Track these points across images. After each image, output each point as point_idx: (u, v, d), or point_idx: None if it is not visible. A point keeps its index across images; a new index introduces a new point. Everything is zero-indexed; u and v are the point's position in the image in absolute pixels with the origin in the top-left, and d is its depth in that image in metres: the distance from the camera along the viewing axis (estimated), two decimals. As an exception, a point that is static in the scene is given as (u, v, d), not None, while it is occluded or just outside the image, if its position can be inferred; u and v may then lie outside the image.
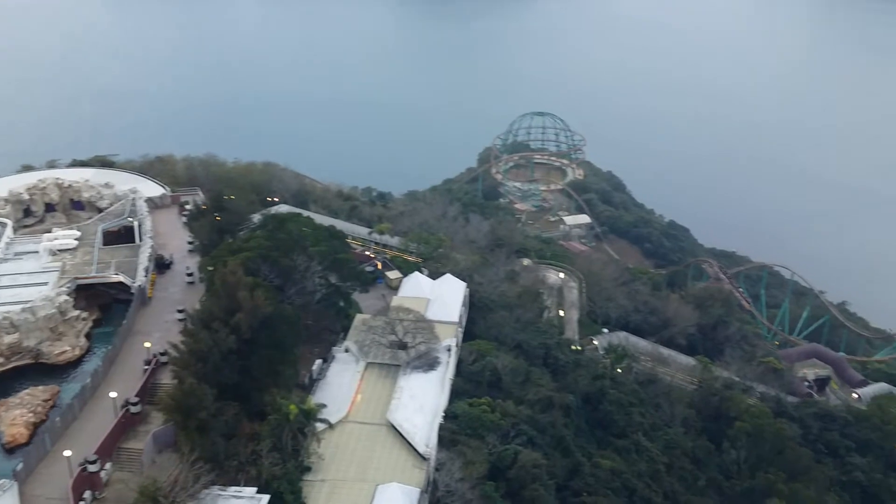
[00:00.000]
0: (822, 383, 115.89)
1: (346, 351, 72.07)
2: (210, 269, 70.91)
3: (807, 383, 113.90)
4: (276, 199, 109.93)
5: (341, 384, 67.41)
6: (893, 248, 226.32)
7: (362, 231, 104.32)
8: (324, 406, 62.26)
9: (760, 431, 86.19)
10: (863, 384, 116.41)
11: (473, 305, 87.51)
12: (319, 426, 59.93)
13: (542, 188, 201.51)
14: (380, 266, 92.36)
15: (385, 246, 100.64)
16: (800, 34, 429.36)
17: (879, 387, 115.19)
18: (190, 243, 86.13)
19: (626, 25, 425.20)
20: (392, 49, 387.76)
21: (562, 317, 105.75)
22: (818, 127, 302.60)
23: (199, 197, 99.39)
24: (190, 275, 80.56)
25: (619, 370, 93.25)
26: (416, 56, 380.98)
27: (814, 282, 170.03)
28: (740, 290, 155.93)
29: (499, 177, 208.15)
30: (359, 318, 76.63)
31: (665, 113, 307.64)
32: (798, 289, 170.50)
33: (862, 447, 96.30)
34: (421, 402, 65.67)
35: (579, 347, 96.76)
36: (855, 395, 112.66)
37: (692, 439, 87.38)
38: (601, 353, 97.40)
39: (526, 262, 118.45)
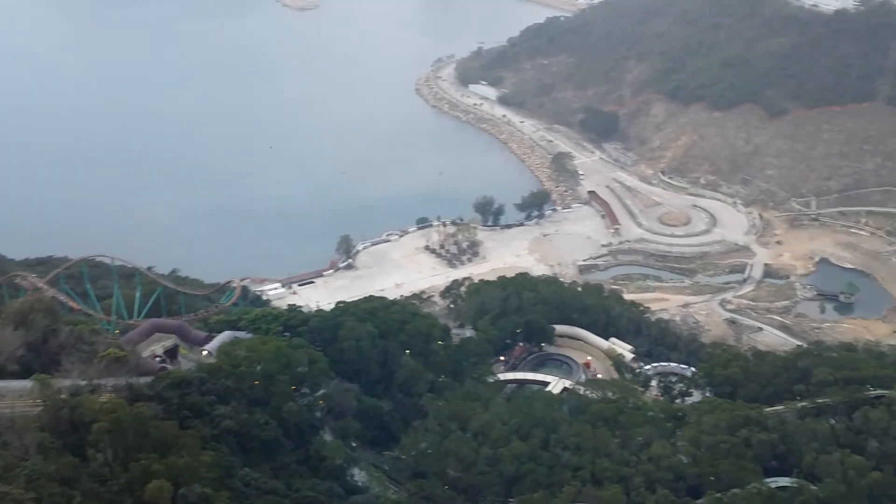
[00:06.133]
0: (172, 353, 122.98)
1: None
2: None
3: (158, 358, 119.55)
4: None
5: None
6: (197, 207, 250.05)
7: None
8: None
9: (119, 424, 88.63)
10: (208, 339, 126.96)
11: None
12: None
13: None
14: None
15: None
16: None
17: (223, 336, 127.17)
18: None
19: None
20: None
21: None
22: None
23: None
24: None
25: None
26: None
27: (139, 260, 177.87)
28: (64, 293, 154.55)
29: None
30: None
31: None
32: (126, 272, 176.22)
33: (223, 397, 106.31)
34: None
35: None
36: (205, 352, 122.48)
37: (55, 462, 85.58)
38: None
39: None
